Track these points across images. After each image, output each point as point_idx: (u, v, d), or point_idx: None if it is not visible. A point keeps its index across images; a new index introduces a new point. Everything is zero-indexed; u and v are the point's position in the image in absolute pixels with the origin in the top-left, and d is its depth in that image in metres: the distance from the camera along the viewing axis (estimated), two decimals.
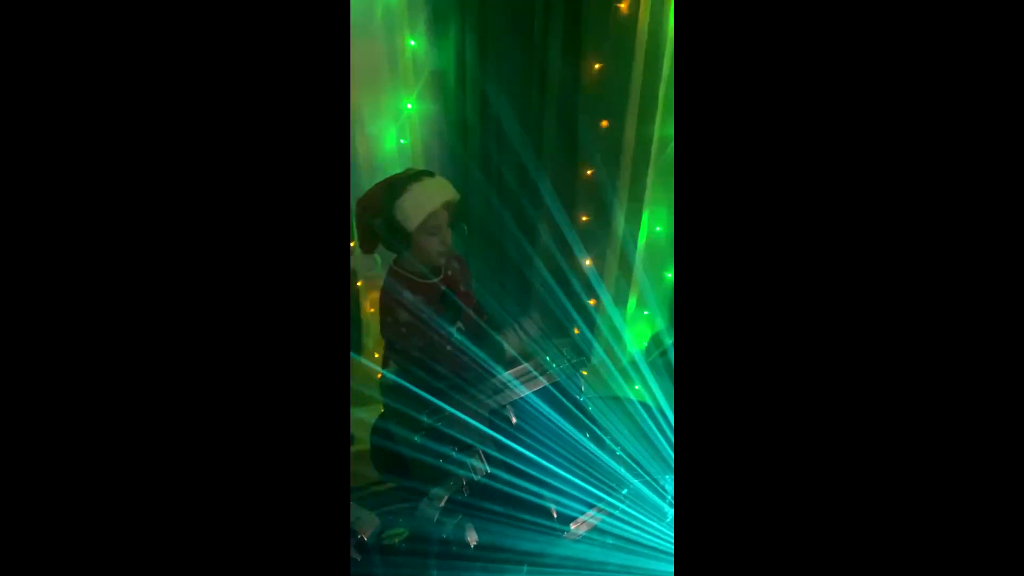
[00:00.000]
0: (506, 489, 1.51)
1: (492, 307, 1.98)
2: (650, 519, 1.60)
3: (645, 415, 1.94)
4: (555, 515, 1.53)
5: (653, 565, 1.49)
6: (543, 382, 1.66)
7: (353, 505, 1.44)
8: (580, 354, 1.92)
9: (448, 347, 1.75)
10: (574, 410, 1.67)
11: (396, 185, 1.70)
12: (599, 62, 2.16)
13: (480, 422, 1.55)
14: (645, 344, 2.55)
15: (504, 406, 1.58)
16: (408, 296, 1.73)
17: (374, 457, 1.82)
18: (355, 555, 1.37)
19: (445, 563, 1.48)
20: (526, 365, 1.68)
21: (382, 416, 1.85)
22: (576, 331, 2.38)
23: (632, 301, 2.53)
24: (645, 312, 2.55)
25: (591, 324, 2.45)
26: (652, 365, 2.30)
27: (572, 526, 1.54)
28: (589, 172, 2.30)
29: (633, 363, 2.39)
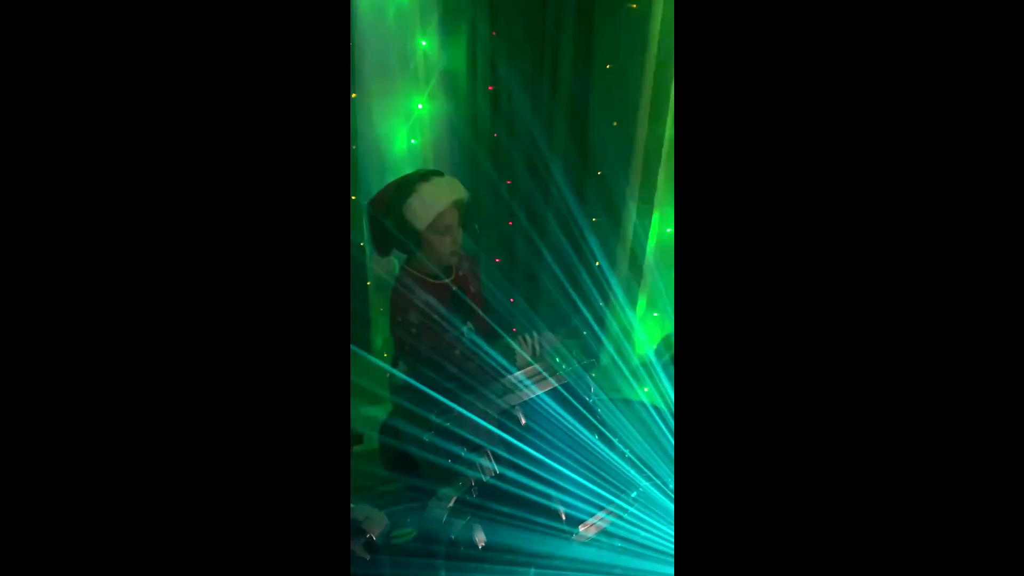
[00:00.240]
0: (515, 490, 1.51)
1: (502, 308, 1.98)
2: (659, 522, 1.60)
3: (657, 418, 1.93)
4: (564, 517, 1.52)
5: (662, 569, 1.49)
6: (553, 383, 1.65)
7: (362, 504, 1.44)
8: (590, 355, 1.92)
9: (458, 348, 1.75)
10: (584, 412, 1.67)
11: (406, 185, 1.71)
12: (610, 61, 2.16)
13: (489, 423, 1.55)
14: (655, 346, 2.54)
15: (513, 407, 1.58)
16: (419, 296, 1.73)
17: (383, 455, 1.83)
18: (363, 554, 1.37)
19: (453, 563, 1.48)
20: (536, 366, 1.68)
21: (391, 415, 1.85)
22: (585, 332, 2.37)
23: (642, 302, 2.52)
24: (655, 314, 2.54)
25: (601, 325, 2.44)
26: (664, 367, 2.29)
27: (581, 528, 1.53)
28: (600, 172, 2.29)
29: (643, 365, 2.38)
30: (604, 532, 1.56)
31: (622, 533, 1.56)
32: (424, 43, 2.34)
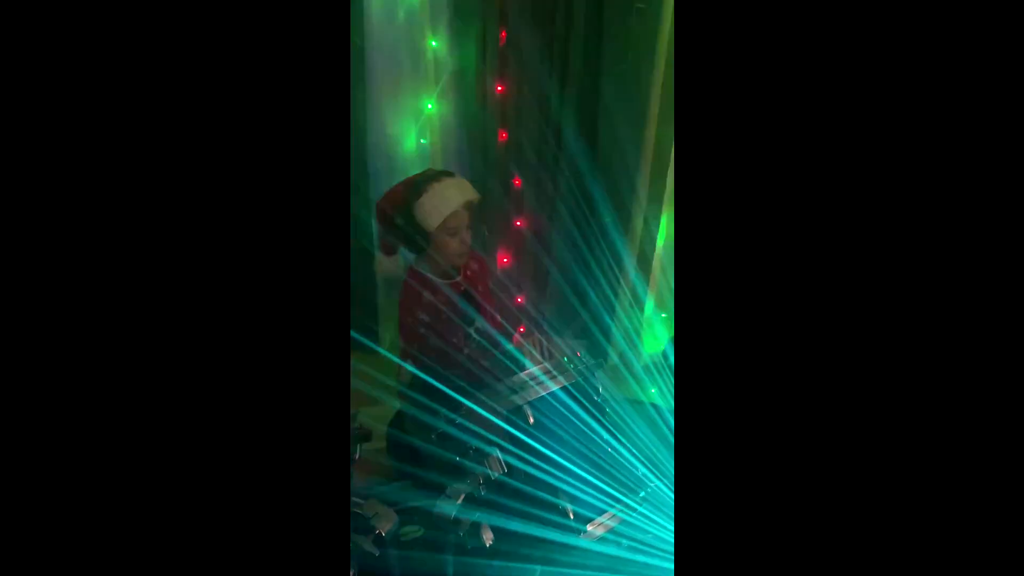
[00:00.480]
0: (523, 487, 1.51)
1: (510, 307, 1.99)
2: (667, 522, 1.60)
3: (668, 418, 1.93)
4: (572, 515, 1.53)
5: (670, 567, 1.49)
6: (561, 382, 1.66)
7: (371, 500, 1.45)
8: (598, 355, 1.92)
9: (466, 347, 1.76)
10: (592, 411, 1.67)
11: (416, 185, 1.71)
12: (621, 61, 2.16)
13: (498, 420, 1.55)
14: (663, 346, 2.54)
15: (522, 405, 1.58)
16: (427, 296, 1.74)
17: (391, 452, 1.83)
18: (372, 550, 1.38)
19: (461, 559, 1.48)
20: (545, 365, 1.68)
21: (401, 412, 1.86)
22: (594, 332, 2.38)
23: (650, 303, 2.52)
24: (663, 315, 2.54)
25: (609, 325, 2.44)
26: (672, 368, 2.29)
27: (589, 527, 1.54)
28: (608, 172, 2.30)
29: (651, 365, 2.38)
30: (612, 531, 1.56)
31: (630, 532, 1.57)
32: (434, 43, 2.35)
